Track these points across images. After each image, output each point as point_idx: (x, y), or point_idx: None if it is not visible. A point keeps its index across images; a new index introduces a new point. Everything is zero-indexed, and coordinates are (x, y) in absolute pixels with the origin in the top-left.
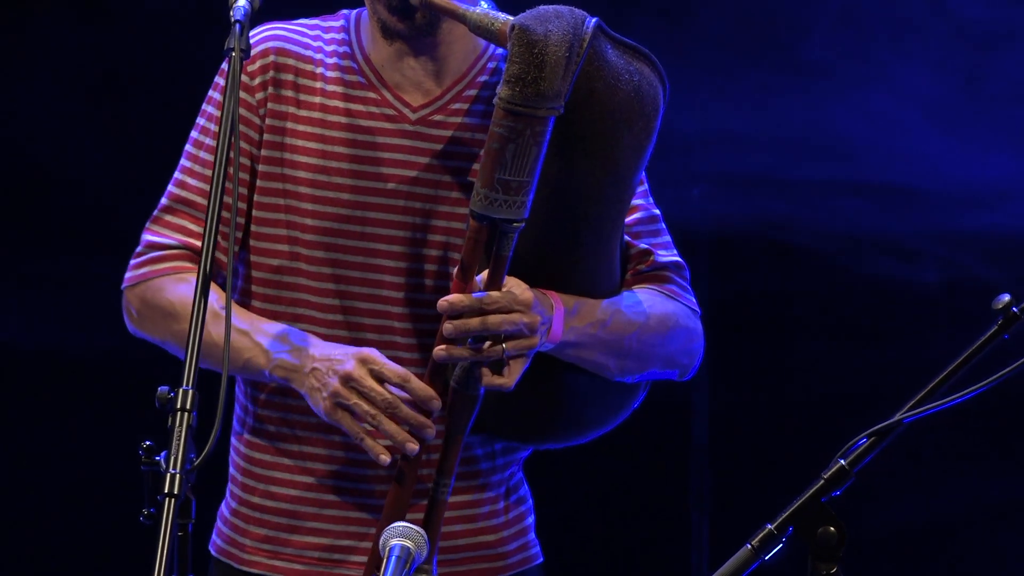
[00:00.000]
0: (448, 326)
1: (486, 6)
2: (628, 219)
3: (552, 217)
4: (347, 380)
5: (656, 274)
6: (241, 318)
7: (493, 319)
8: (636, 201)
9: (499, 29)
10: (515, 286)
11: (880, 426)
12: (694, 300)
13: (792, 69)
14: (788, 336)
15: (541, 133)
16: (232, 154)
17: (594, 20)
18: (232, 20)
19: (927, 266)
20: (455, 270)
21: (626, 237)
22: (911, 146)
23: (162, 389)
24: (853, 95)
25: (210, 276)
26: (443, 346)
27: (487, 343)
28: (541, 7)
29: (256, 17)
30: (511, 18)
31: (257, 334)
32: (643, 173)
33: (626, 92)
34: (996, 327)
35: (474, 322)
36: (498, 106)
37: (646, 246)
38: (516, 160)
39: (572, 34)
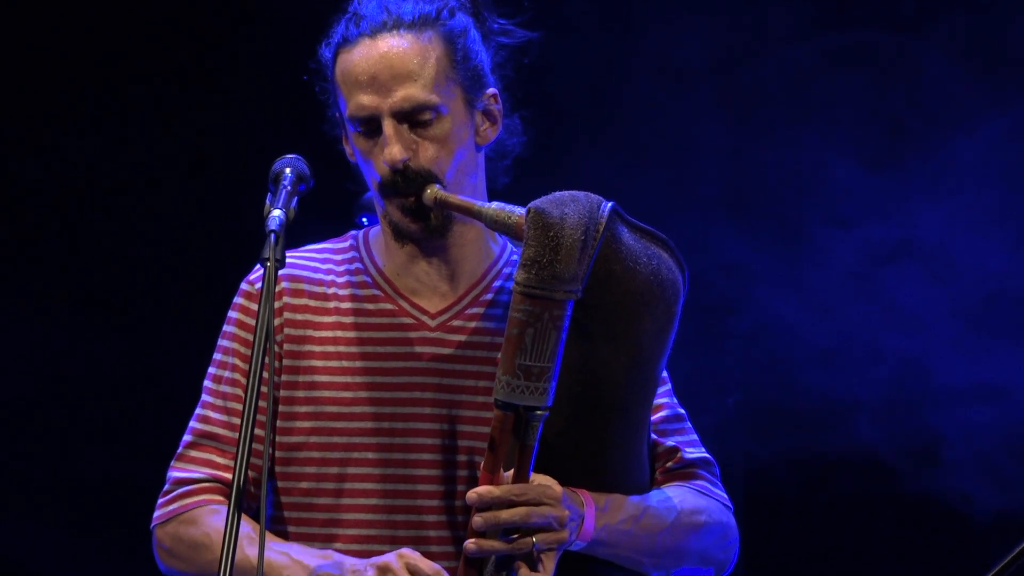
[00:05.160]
0: (478, 519)
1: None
2: (653, 418)
3: (578, 406)
4: (384, 571)
5: (685, 471)
6: (278, 541)
7: (522, 511)
8: (660, 400)
9: (515, 222)
10: (544, 480)
11: None
12: (726, 495)
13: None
14: (823, 541)
15: (560, 317)
16: (265, 374)
17: (610, 204)
18: (267, 231)
19: (948, 467)
20: (482, 461)
21: (652, 435)
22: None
23: None
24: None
25: (243, 490)
26: (473, 539)
27: (516, 536)
28: (557, 192)
29: (291, 228)
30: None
31: (295, 553)
32: (666, 372)
33: (645, 275)
34: None
35: (504, 514)
36: (515, 290)
37: (673, 443)
38: (536, 345)
39: (588, 217)
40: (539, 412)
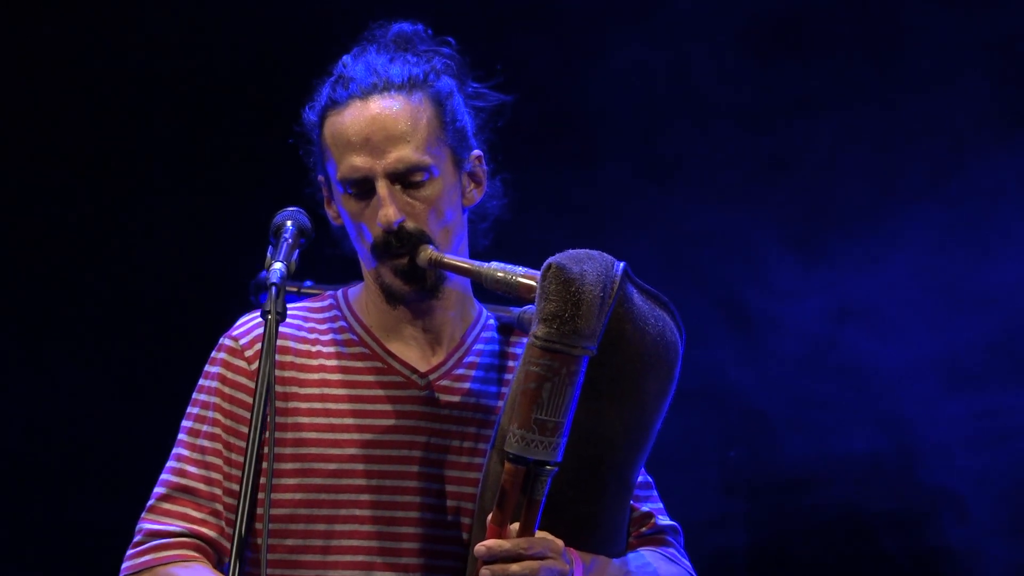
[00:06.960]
0: (486, 572)
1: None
2: None
3: (580, 464)
4: None
5: (656, 536)
6: None
7: (531, 565)
8: None
9: (519, 282)
10: (544, 534)
11: None
12: (690, 564)
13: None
14: None
15: (575, 373)
16: (269, 420)
17: (622, 264)
18: (268, 283)
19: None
20: (490, 515)
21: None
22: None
23: None
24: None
25: (244, 546)
26: None
27: None
28: (571, 250)
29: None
30: (528, 270)
31: None
32: None
33: (652, 337)
34: None
35: (514, 567)
36: (534, 345)
37: (647, 509)
38: (552, 400)
39: (605, 275)
40: (549, 467)
